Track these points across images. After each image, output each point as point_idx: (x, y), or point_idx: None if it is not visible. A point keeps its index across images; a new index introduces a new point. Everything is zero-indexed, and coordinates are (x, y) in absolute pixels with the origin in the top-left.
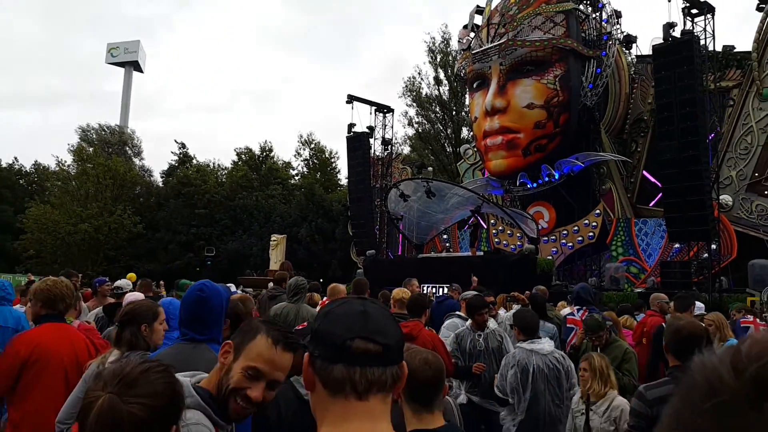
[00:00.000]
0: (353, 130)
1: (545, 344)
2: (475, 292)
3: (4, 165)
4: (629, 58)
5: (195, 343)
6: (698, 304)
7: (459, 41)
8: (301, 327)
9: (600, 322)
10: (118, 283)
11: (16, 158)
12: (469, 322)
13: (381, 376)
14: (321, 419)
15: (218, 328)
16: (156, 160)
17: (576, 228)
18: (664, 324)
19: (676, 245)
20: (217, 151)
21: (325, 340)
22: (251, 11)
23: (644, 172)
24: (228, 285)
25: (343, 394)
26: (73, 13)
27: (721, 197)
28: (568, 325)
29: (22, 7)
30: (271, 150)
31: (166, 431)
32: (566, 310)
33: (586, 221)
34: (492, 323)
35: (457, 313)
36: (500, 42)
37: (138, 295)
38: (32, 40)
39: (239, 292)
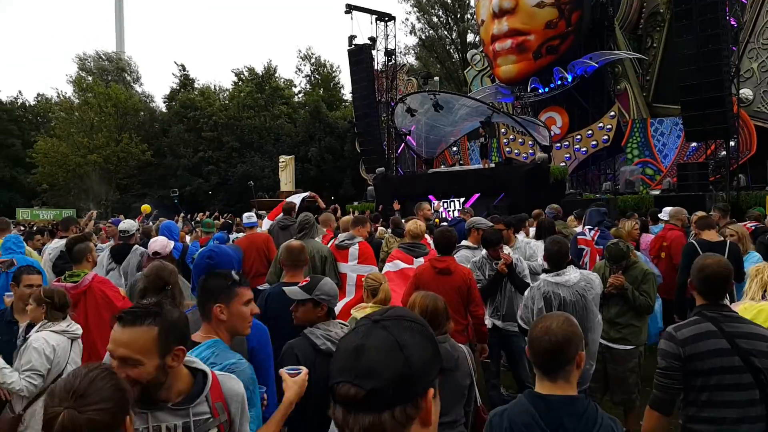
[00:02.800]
0: (354, 42)
1: (571, 275)
2: (489, 223)
3: (6, 99)
4: None
5: None
6: (666, 209)
7: None
8: (304, 282)
9: (624, 252)
10: (122, 226)
11: (20, 92)
12: (485, 251)
13: (376, 422)
14: None
15: None
16: (155, 85)
17: (590, 132)
18: (690, 240)
19: (693, 144)
20: (216, 73)
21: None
22: None
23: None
24: (249, 214)
25: None
26: None
27: (741, 91)
28: (579, 246)
29: None
30: (274, 70)
31: (122, 424)
32: (578, 229)
33: (601, 124)
34: (506, 249)
35: (465, 243)
36: None
37: (162, 240)
38: None
39: (254, 215)
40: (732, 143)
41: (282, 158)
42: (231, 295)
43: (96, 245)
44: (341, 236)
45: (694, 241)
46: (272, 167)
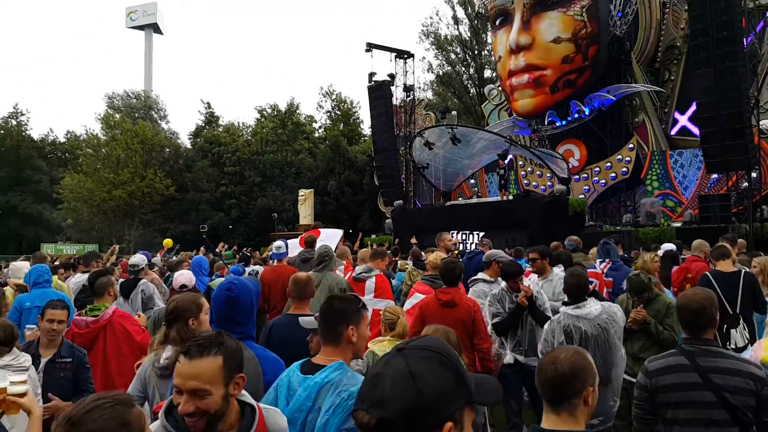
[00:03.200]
0: (374, 79)
1: (592, 307)
2: (508, 256)
3: (37, 137)
4: None
5: None
6: (665, 245)
7: None
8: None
9: (645, 284)
10: (132, 260)
11: (51, 129)
12: (504, 284)
13: None
14: None
15: (251, 325)
16: (181, 122)
17: (609, 164)
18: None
19: (714, 176)
20: (239, 110)
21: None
22: None
23: (676, 114)
24: (278, 244)
25: None
26: None
27: (761, 122)
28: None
29: None
30: (297, 106)
31: None
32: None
33: (619, 156)
34: (533, 284)
35: (482, 276)
36: None
37: (188, 274)
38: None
39: (284, 245)
40: (754, 174)
41: (302, 192)
42: (360, 317)
43: (117, 280)
44: (358, 269)
45: (708, 273)
46: (292, 201)
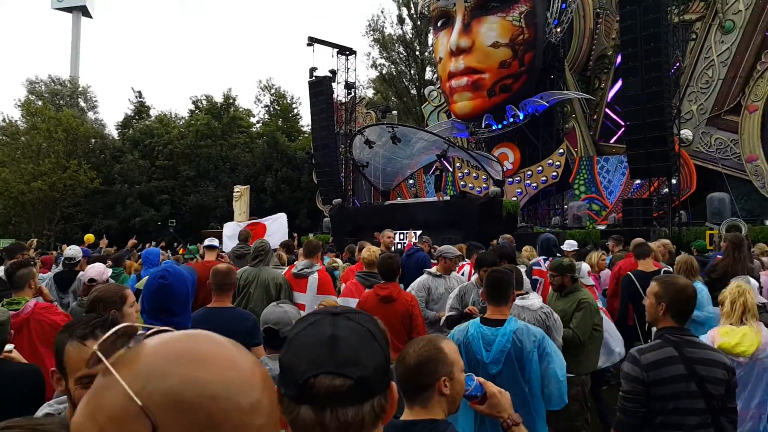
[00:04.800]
0: (315, 74)
1: (535, 300)
2: (456, 251)
3: None
4: None
5: None
6: (569, 241)
7: None
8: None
9: (566, 265)
10: (68, 252)
11: None
12: (476, 277)
13: (356, 416)
14: None
15: (187, 314)
16: (109, 111)
17: (540, 168)
18: (630, 272)
19: (637, 181)
20: (173, 101)
21: (288, 377)
22: None
23: (607, 110)
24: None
25: None
26: None
27: (681, 132)
28: (533, 277)
29: None
30: (234, 99)
31: None
32: (535, 258)
33: (550, 161)
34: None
35: (429, 270)
36: None
37: (99, 267)
38: None
39: (216, 239)
40: (674, 181)
41: (237, 188)
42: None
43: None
44: (299, 264)
45: (630, 273)
46: (226, 197)
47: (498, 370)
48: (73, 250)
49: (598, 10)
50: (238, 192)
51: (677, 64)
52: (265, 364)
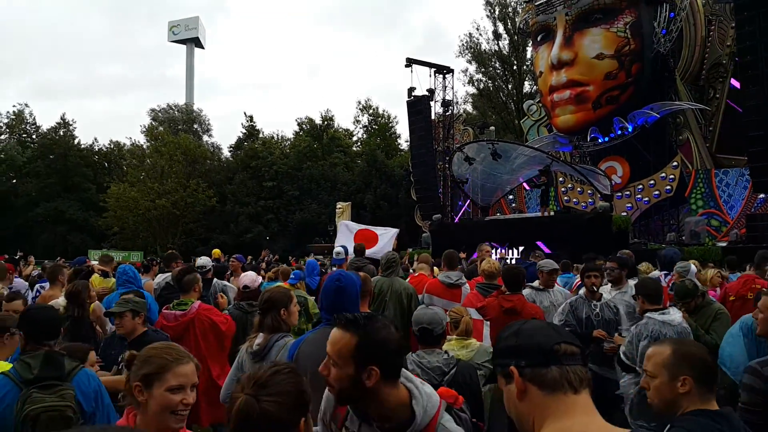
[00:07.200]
0: (413, 94)
1: (675, 315)
2: (554, 265)
3: (84, 145)
4: None
5: None
6: (680, 263)
7: None
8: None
9: (689, 290)
10: (199, 262)
11: (96, 139)
12: (583, 290)
13: (585, 373)
14: (542, 418)
15: (356, 311)
16: (221, 136)
17: (652, 182)
18: None
19: (761, 195)
20: (279, 124)
21: (532, 350)
22: None
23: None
24: (338, 250)
25: (562, 390)
26: (137, 4)
27: None
28: None
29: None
30: (331, 119)
31: (296, 424)
32: (655, 273)
33: (663, 174)
34: (606, 294)
35: (531, 284)
36: None
37: (251, 275)
38: (99, 32)
39: (343, 251)
40: None
41: (339, 204)
42: None
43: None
44: (453, 275)
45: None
46: (329, 214)
47: None
48: (203, 260)
49: (710, 16)
50: (340, 208)
51: None
52: (422, 358)
